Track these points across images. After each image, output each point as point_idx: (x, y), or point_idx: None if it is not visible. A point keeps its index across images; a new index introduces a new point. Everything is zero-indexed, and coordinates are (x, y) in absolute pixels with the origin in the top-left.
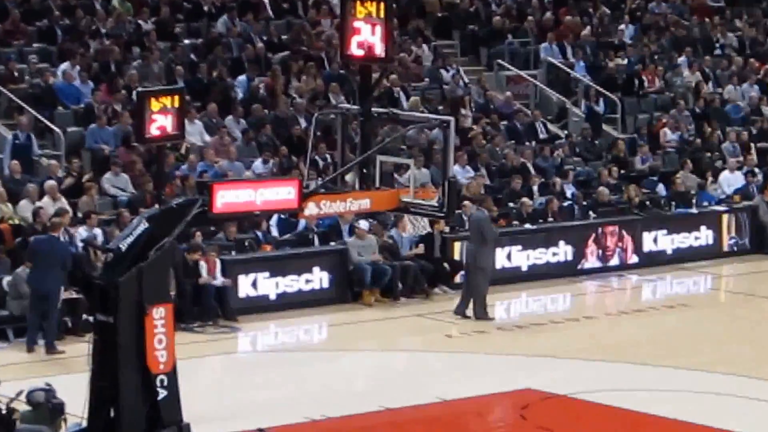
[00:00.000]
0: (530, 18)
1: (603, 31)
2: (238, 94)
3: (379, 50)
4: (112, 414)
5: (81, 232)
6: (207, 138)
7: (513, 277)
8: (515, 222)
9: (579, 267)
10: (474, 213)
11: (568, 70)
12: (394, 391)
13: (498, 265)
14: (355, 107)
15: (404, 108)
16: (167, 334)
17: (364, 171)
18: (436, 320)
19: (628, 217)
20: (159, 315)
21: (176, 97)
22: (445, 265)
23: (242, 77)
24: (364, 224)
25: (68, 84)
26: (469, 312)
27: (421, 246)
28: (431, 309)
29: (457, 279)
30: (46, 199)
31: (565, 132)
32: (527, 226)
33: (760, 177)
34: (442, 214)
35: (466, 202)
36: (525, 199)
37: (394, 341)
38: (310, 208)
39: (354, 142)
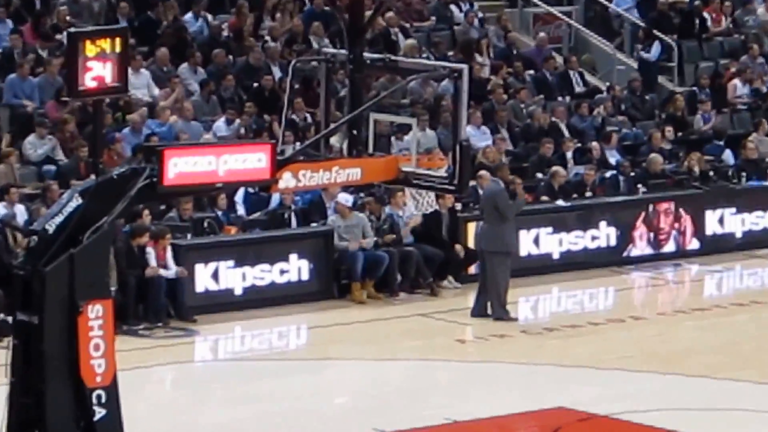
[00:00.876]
0: None
1: None
2: (195, 36)
3: None
4: None
5: None
6: (156, 92)
7: (542, 267)
8: (544, 198)
9: (625, 254)
10: (488, 185)
11: (612, 5)
12: (392, 410)
13: (523, 252)
14: (343, 53)
15: (404, 54)
16: (106, 338)
17: (354, 133)
18: (444, 321)
19: (686, 192)
20: (95, 314)
21: (117, 41)
22: (458, 250)
23: (199, 16)
24: (344, 198)
25: None
26: (490, 311)
27: (416, 218)
28: (438, 307)
29: (472, 269)
30: None
31: (608, 84)
32: (560, 202)
33: None
34: (453, 187)
35: (482, 172)
36: (557, 169)
37: (392, 347)
38: (286, 180)
39: (341, 96)
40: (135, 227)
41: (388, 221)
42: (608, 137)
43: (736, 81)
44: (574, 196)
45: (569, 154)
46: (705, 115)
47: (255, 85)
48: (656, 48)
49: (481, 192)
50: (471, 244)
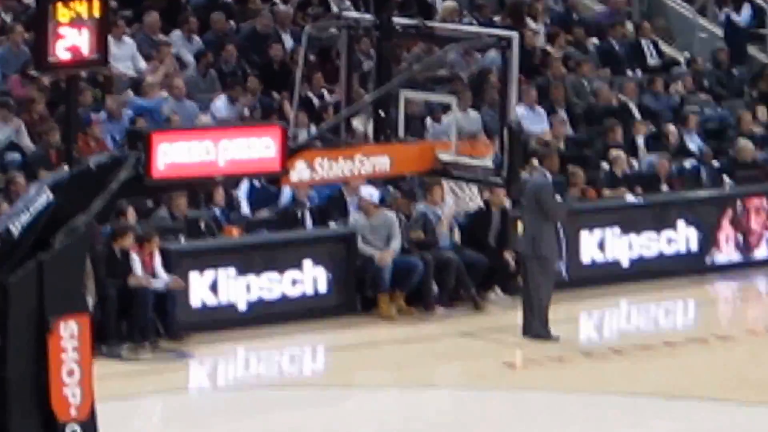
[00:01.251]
0: None
1: None
2: None
3: None
4: None
5: None
6: (143, 64)
7: (607, 276)
8: (609, 192)
9: (708, 260)
10: (532, 176)
11: None
12: None
13: (585, 258)
14: (368, 17)
15: (442, 19)
16: (82, 363)
17: (381, 114)
18: (490, 341)
19: None
20: (69, 333)
21: (96, 3)
22: (507, 256)
23: None
24: (369, 192)
25: None
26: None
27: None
28: (483, 324)
29: None
30: None
31: (687, 55)
32: (629, 198)
33: None
34: (500, 179)
35: (535, 161)
36: (617, 154)
37: (427, 373)
38: (300, 171)
39: (365, 70)
40: (117, 228)
41: (420, 221)
42: (687, 119)
43: None
44: (646, 190)
45: (640, 140)
46: None
47: (262, 57)
48: (747, 11)
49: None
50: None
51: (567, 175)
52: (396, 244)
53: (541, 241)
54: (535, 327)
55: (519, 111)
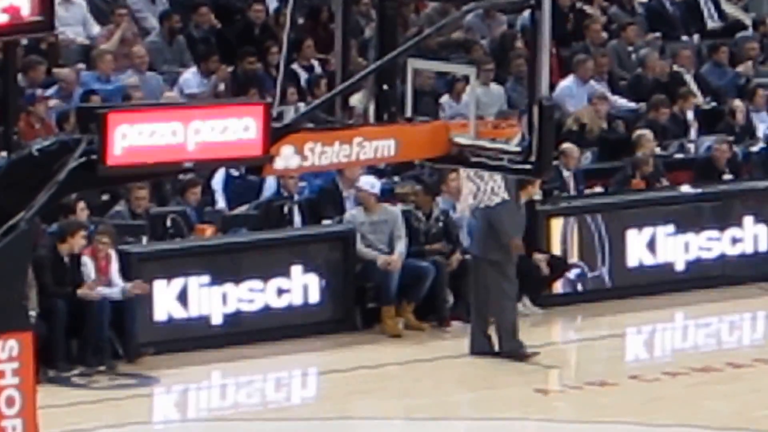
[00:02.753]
0: None
1: None
2: None
3: None
4: None
5: None
6: (96, 29)
7: (660, 284)
8: (659, 182)
9: None
10: None
11: None
12: None
13: (632, 262)
14: None
15: None
16: (23, 389)
17: (385, 88)
18: (518, 363)
19: None
20: (8, 353)
21: None
22: (537, 260)
23: None
24: (368, 182)
25: None
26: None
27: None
28: None
29: (558, 287)
30: None
31: (753, 16)
32: (684, 188)
33: None
34: (530, 167)
35: (567, 146)
36: (642, 133)
37: (441, 402)
38: (286, 157)
39: (365, 36)
40: (64, 225)
41: (441, 220)
42: (753, 94)
43: None
44: (706, 180)
45: (690, 115)
46: None
47: (240, 21)
48: None
49: (567, 173)
50: (557, 249)
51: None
52: (402, 245)
53: (495, 243)
54: (505, 342)
55: (564, 85)
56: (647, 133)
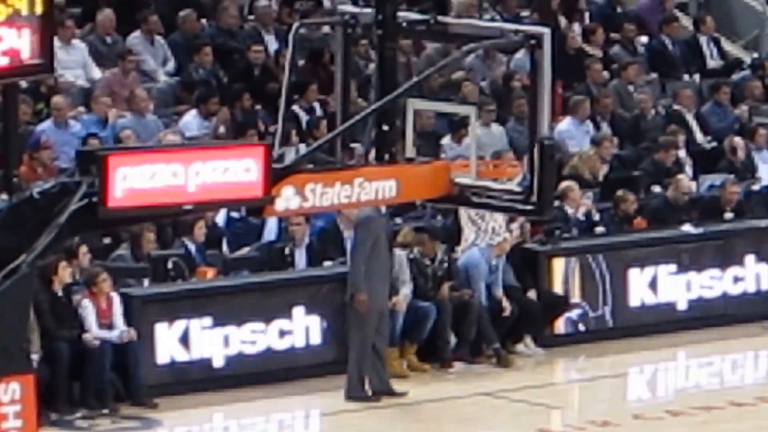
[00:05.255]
0: None
1: None
2: None
3: None
4: None
5: None
6: (97, 73)
7: (662, 323)
8: (664, 221)
9: None
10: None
11: None
12: None
13: (633, 301)
14: (368, 11)
15: (458, 14)
16: None
17: (386, 129)
18: (519, 402)
19: None
20: (10, 396)
21: None
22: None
23: None
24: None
25: None
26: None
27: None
28: (510, 383)
29: (561, 326)
30: None
31: (755, 56)
32: (686, 228)
33: None
34: (530, 206)
35: (569, 184)
36: (682, 178)
37: None
38: (287, 199)
39: (366, 76)
40: (45, 265)
41: (445, 262)
42: (755, 133)
43: None
44: (707, 219)
45: (682, 154)
46: None
47: (242, 62)
48: None
49: (571, 213)
50: (558, 288)
51: (614, 201)
52: (407, 289)
53: (356, 287)
54: (352, 387)
55: (560, 127)
56: (573, 184)
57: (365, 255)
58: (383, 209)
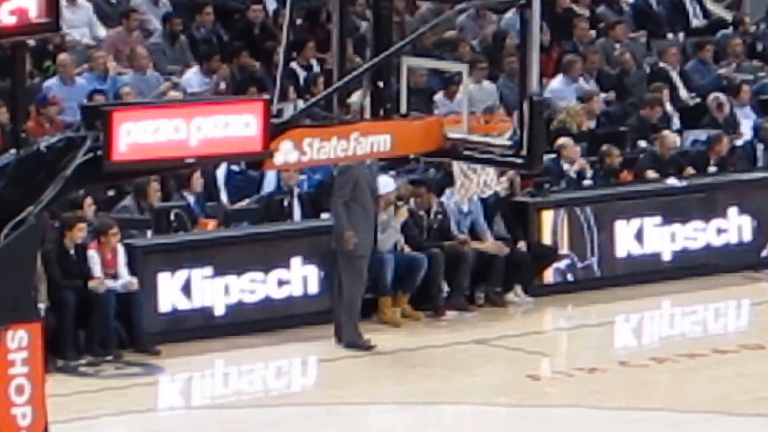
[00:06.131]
0: None
1: None
2: None
3: None
4: None
5: None
6: (102, 32)
7: (647, 273)
8: (650, 174)
9: (764, 254)
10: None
11: None
12: None
13: (619, 252)
14: None
15: None
16: (33, 378)
17: (381, 86)
18: (511, 350)
19: None
20: (17, 343)
21: None
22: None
23: None
24: (386, 183)
25: None
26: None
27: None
28: (502, 330)
29: (550, 276)
30: None
31: (734, 14)
32: (671, 182)
33: None
34: (520, 160)
35: (566, 141)
36: (666, 134)
37: (436, 388)
38: (286, 152)
39: (361, 34)
40: (65, 218)
41: (439, 213)
42: (738, 90)
43: None
44: (693, 172)
45: (670, 108)
46: None
47: (240, 21)
48: None
49: (567, 168)
50: (547, 239)
51: (600, 156)
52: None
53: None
54: (347, 333)
55: (554, 86)
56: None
57: (344, 199)
58: (367, 160)
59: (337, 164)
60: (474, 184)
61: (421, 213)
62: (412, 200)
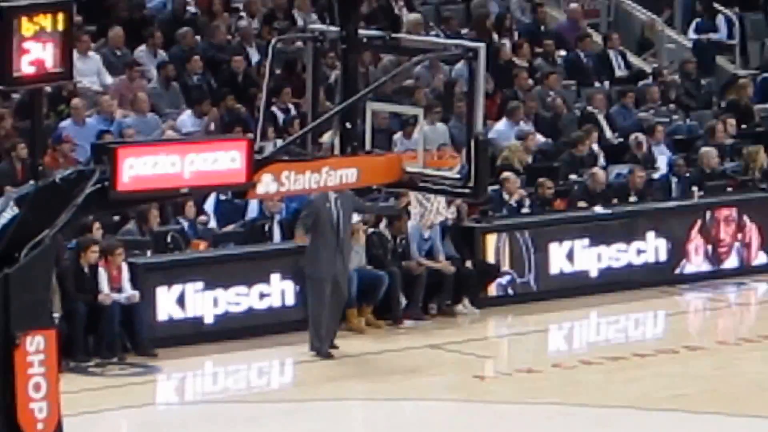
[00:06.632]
0: None
1: None
2: (155, 12)
3: None
4: None
5: None
6: (108, 79)
7: (577, 288)
8: (581, 204)
9: (677, 271)
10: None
11: None
12: None
13: (554, 269)
14: (334, 30)
15: (408, 31)
16: (48, 377)
17: (348, 126)
18: (460, 353)
19: (752, 195)
20: (35, 347)
21: (60, 17)
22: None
23: None
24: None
25: None
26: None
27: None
28: (452, 337)
29: (493, 290)
30: None
31: (655, 66)
32: (598, 209)
33: None
34: (467, 190)
35: (508, 175)
36: (597, 170)
37: (396, 387)
38: (266, 184)
39: (332, 83)
40: (81, 241)
41: (404, 239)
42: (654, 130)
43: None
44: (617, 201)
45: (596, 147)
46: None
47: (228, 71)
48: (722, 23)
49: (507, 198)
50: (490, 258)
51: (536, 187)
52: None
53: (309, 261)
54: (313, 343)
55: (496, 127)
56: (511, 175)
57: (306, 227)
58: (331, 195)
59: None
60: (430, 213)
61: (389, 237)
62: (383, 225)
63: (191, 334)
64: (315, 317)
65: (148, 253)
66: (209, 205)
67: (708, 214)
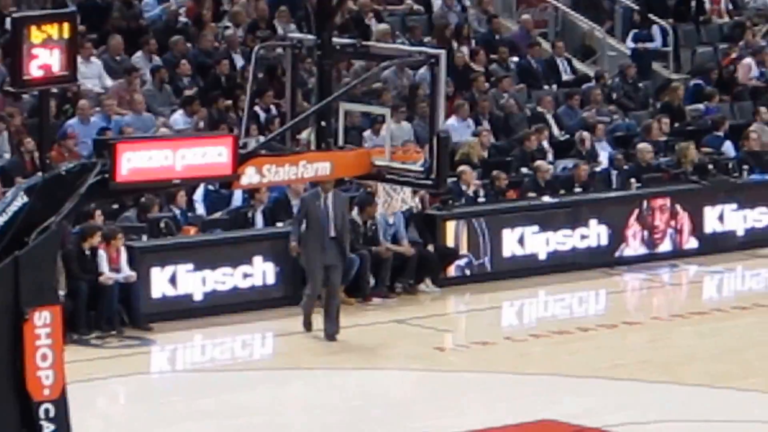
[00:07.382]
0: None
1: None
2: (151, 22)
3: None
4: None
5: None
6: (109, 82)
7: (527, 269)
8: (530, 194)
9: (616, 254)
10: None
11: None
12: (366, 425)
13: (506, 253)
14: (310, 38)
15: (376, 40)
16: (54, 348)
17: (323, 125)
18: (422, 327)
19: (683, 186)
20: (42, 321)
21: (66, 26)
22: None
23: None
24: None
25: None
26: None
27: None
28: (415, 312)
29: (452, 271)
30: None
31: (597, 71)
32: (546, 199)
33: None
34: (430, 182)
35: (464, 168)
36: (542, 163)
37: (365, 357)
38: (249, 176)
39: (309, 86)
40: (85, 227)
41: (373, 224)
42: (595, 128)
43: (750, 60)
44: (563, 192)
45: (546, 144)
46: (710, 107)
47: (216, 74)
48: (657, 33)
49: (464, 188)
50: (450, 242)
51: (491, 179)
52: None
53: (302, 251)
54: (304, 320)
55: (451, 123)
56: (467, 168)
57: (298, 222)
58: (321, 193)
59: (299, 188)
60: (395, 201)
61: (360, 223)
62: (354, 212)
63: (182, 310)
64: (306, 301)
65: (144, 237)
66: (198, 194)
67: (644, 204)
